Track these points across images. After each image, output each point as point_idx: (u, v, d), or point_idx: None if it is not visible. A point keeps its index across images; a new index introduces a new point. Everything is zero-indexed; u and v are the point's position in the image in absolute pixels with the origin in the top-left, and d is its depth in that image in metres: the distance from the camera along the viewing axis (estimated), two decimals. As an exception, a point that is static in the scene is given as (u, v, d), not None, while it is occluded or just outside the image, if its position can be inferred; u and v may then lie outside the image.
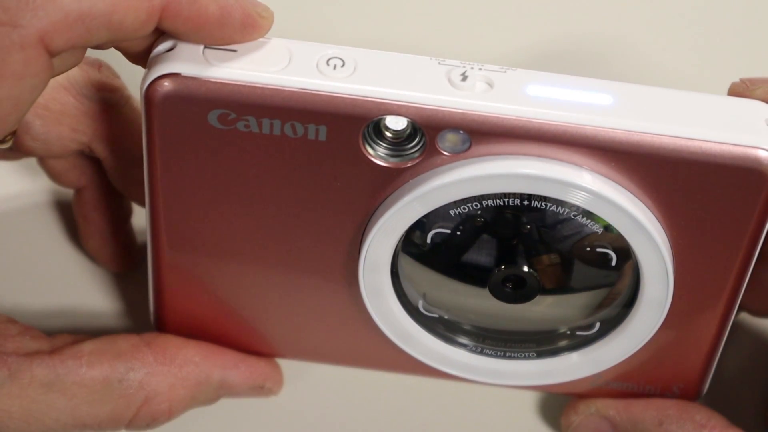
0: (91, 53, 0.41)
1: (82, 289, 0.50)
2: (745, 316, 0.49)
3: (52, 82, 0.39)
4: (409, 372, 0.45)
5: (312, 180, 0.39)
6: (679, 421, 0.44)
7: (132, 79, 0.44)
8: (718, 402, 0.46)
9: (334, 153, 0.38)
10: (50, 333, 0.44)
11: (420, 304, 0.43)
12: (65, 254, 0.51)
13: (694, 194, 0.38)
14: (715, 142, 0.37)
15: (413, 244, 0.41)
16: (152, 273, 0.44)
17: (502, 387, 0.46)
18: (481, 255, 0.41)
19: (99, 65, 0.45)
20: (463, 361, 0.44)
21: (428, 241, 0.41)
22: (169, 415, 0.44)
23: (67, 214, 0.51)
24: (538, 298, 0.42)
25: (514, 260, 0.41)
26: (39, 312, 0.49)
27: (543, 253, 0.41)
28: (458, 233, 0.41)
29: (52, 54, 0.37)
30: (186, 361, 0.44)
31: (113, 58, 0.42)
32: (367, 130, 0.38)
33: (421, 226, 0.41)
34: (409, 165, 0.38)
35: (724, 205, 0.39)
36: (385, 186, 0.39)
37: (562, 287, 0.42)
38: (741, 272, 0.41)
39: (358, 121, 0.38)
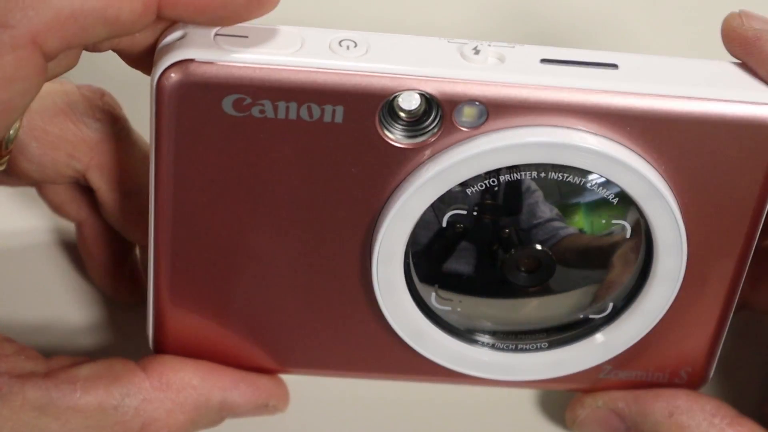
0: (93, 80, 0.40)
1: (80, 306, 0.49)
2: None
3: (52, 105, 0.38)
4: (419, 377, 0.45)
5: (328, 167, 0.39)
6: (689, 411, 0.44)
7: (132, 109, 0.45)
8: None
9: (350, 136, 0.38)
10: (48, 351, 0.43)
11: (432, 297, 0.43)
12: (64, 271, 0.50)
13: (703, 157, 0.39)
14: (723, 100, 0.38)
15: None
16: (152, 289, 0.42)
17: (514, 386, 0.45)
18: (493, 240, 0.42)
19: (102, 94, 0.45)
20: (474, 358, 0.43)
21: (444, 224, 0.41)
22: None
23: (67, 230, 0.50)
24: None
25: (524, 242, 0.41)
26: (36, 329, 0.49)
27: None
28: (475, 213, 0.40)
29: (47, 56, 0.36)
30: (184, 385, 0.43)
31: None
32: (382, 112, 0.38)
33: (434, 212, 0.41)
34: (426, 144, 0.38)
35: (732, 167, 0.39)
36: (402, 168, 0.39)
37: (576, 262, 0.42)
38: (749, 239, 0.41)
39: (375, 99, 0.37)
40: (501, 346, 0.43)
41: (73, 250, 0.50)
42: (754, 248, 0.41)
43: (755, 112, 0.38)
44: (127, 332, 0.49)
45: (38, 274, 0.50)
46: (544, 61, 0.38)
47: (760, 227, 0.41)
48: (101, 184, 0.45)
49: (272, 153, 0.39)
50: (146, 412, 0.42)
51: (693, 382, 0.45)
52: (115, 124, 0.44)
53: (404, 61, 0.38)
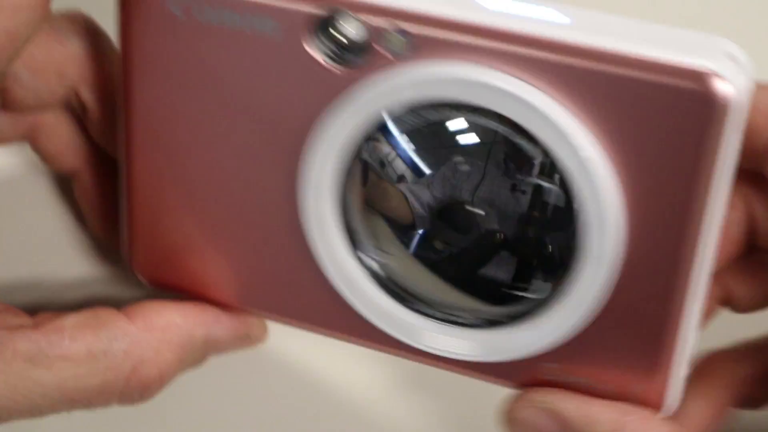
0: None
1: (62, 260, 0.50)
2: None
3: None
4: (348, 334, 0.43)
5: (263, 81, 0.39)
6: (640, 427, 0.39)
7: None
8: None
9: (284, 52, 0.38)
10: (31, 306, 0.45)
11: (361, 246, 0.41)
12: (46, 226, 0.51)
13: (640, 123, 0.36)
14: (663, 60, 0.36)
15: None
16: (125, 203, 0.44)
17: (450, 368, 0.42)
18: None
19: (80, 12, 0.46)
20: (405, 320, 0.41)
21: (369, 160, 0.40)
22: (160, 381, 0.44)
23: (51, 184, 0.51)
24: None
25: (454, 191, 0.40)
26: (20, 286, 0.50)
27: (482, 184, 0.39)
28: (399, 153, 0.39)
29: None
30: (168, 325, 0.44)
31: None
32: (316, 33, 0.38)
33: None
34: (353, 71, 0.38)
35: (670, 135, 0.36)
36: (330, 93, 0.39)
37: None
38: (696, 221, 0.37)
39: (307, 17, 0.38)
40: (435, 315, 0.41)
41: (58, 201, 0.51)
42: (707, 236, 0.38)
43: (694, 75, 0.36)
44: (106, 275, 0.50)
45: (22, 229, 0.51)
46: (485, 1, 0.37)
47: (710, 211, 0.37)
48: (92, 98, 0.46)
49: (212, 59, 0.39)
50: (135, 354, 0.43)
51: (651, 404, 0.40)
52: (97, 38, 0.45)
53: None
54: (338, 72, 0.38)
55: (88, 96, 0.46)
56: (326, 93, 0.39)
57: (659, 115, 0.36)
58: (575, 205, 0.38)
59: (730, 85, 0.35)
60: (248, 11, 0.38)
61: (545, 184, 0.38)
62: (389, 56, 0.38)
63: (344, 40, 0.38)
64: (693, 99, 0.36)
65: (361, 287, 0.41)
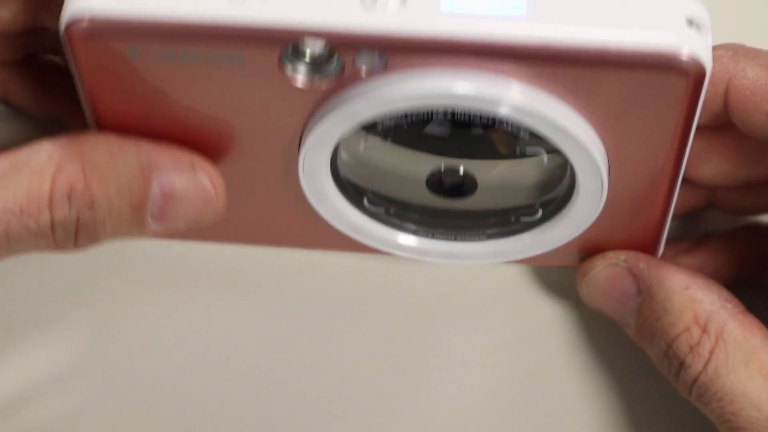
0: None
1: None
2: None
3: None
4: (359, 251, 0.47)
5: (239, 105, 0.40)
6: (705, 289, 0.43)
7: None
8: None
9: (254, 78, 0.39)
10: None
11: (365, 201, 0.45)
12: None
13: (619, 98, 0.39)
14: (631, 47, 0.37)
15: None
16: None
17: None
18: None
19: None
20: (414, 246, 0.46)
21: (361, 151, 0.43)
22: (86, 184, 0.40)
23: None
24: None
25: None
26: None
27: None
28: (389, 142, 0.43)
29: None
30: (96, 139, 0.42)
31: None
32: (286, 53, 0.38)
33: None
34: (328, 85, 0.39)
35: (651, 107, 0.39)
36: (310, 106, 0.40)
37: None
38: (675, 169, 0.41)
39: (273, 47, 0.38)
40: (441, 236, 0.45)
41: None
42: (682, 172, 0.42)
43: (666, 55, 0.37)
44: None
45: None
46: (446, 5, 0.38)
47: (686, 157, 0.41)
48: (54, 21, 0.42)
49: (183, 94, 0.40)
50: (58, 154, 0.41)
51: None
52: None
53: (301, 10, 0.38)
54: (312, 88, 0.39)
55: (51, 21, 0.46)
56: (306, 107, 0.40)
57: (635, 89, 0.38)
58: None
59: (696, 59, 0.37)
60: (211, 49, 0.38)
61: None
62: (362, 73, 0.38)
63: (314, 60, 0.38)
64: (667, 77, 0.38)
65: (364, 229, 0.45)
